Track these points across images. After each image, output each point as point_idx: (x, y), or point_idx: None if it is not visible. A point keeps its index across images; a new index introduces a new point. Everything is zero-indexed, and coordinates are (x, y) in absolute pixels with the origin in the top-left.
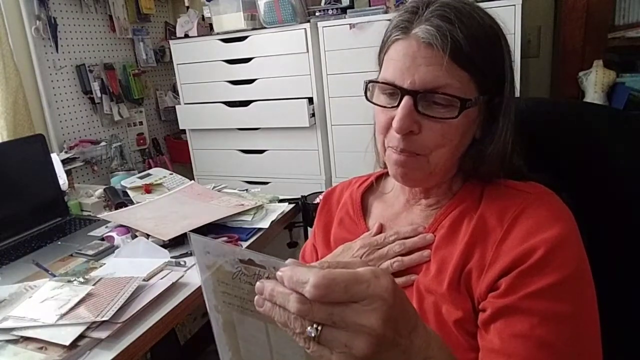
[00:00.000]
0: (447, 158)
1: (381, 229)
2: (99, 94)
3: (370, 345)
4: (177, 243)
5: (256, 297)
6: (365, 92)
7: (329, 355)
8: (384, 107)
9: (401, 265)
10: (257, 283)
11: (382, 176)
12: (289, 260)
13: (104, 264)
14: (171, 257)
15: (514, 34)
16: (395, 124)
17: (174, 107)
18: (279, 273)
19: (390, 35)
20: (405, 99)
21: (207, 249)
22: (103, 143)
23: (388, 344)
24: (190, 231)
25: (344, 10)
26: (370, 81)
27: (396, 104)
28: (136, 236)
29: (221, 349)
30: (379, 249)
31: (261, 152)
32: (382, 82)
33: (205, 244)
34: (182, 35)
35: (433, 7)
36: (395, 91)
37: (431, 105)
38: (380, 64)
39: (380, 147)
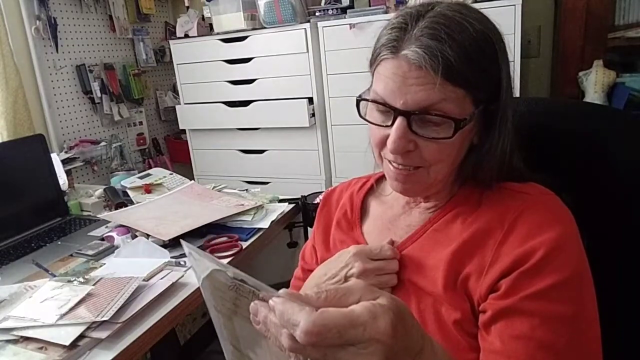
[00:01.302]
0: (446, 170)
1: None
2: (99, 94)
3: None
4: (177, 243)
5: (252, 315)
6: (358, 109)
7: None
8: (378, 125)
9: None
10: (252, 304)
11: (382, 178)
12: (282, 291)
13: (104, 264)
14: (171, 257)
15: (514, 34)
16: (390, 145)
17: (174, 107)
18: (271, 302)
19: (379, 52)
20: (399, 119)
21: (201, 259)
22: (103, 143)
23: None
24: (190, 231)
25: (344, 10)
26: (362, 99)
27: (390, 123)
28: (136, 236)
29: (223, 342)
30: (374, 260)
31: (261, 152)
32: (374, 101)
33: (198, 253)
34: (182, 35)
35: (422, 24)
36: (388, 110)
37: (426, 124)
38: (372, 75)
39: (378, 158)
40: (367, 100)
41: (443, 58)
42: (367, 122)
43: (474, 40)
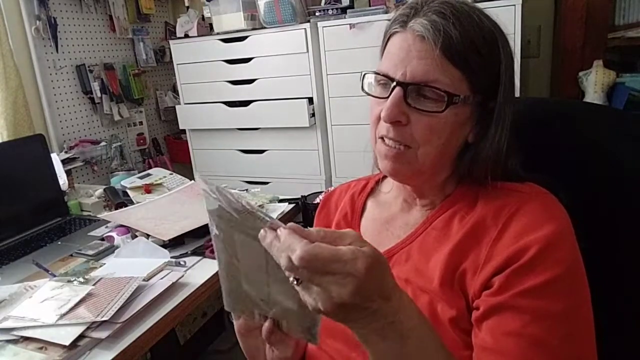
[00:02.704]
0: (436, 155)
1: None
2: (99, 94)
3: (334, 306)
4: (177, 243)
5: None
6: (362, 84)
7: (306, 294)
8: (377, 97)
9: None
10: (261, 231)
11: (382, 179)
12: (290, 225)
13: (104, 264)
14: (171, 257)
15: (514, 34)
16: (383, 112)
17: (174, 107)
18: (278, 231)
19: (389, 28)
20: (396, 90)
21: (214, 193)
22: (103, 143)
23: (354, 308)
24: (190, 231)
25: (344, 10)
26: (367, 72)
27: (387, 95)
28: (136, 236)
29: (218, 256)
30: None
31: (261, 152)
32: (376, 73)
33: (212, 188)
34: (182, 35)
35: (432, 4)
36: (388, 82)
37: (420, 98)
38: (381, 59)
39: (372, 139)
40: (370, 72)
41: (444, 33)
42: (368, 96)
43: (477, 28)
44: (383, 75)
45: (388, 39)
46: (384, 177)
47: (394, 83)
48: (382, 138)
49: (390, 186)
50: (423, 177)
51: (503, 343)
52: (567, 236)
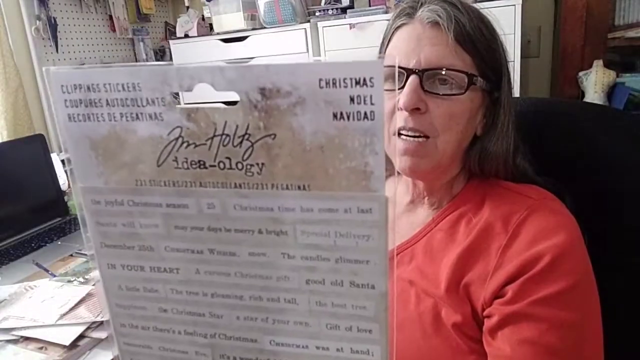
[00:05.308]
0: (454, 144)
1: None
2: None
3: None
4: None
5: None
6: None
7: None
8: (389, 90)
9: None
10: None
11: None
12: None
13: None
14: None
15: (514, 34)
16: (402, 99)
17: None
18: None
19: (393, 23)
20: (412, 77)
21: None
22: None
23: None
24: None
25: (344, 10)
26: None
27: (401, 86)
28: None
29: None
30: None
31: None
32: (386, 66)
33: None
34: (182, 35)
35: None
36: (401, 73)
37: (437, 84)
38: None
39: (386, 139)
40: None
41: (456, 19)
42: None
43: (482, 20)
44: (393, 67)
45: (392, 34)
46: (386, 177)
47: (408, 72)
48: (398, 133)
49: (393, 189)
50: (440, 170)
51: (520, 351)
52: (579, 244)
